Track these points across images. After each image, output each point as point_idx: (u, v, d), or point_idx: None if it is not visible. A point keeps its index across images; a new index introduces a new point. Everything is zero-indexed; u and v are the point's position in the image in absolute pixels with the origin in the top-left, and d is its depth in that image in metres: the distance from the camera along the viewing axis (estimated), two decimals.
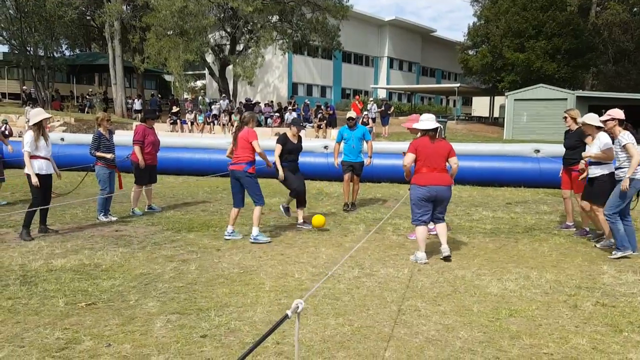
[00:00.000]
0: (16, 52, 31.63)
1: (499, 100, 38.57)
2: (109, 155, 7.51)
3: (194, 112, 25.37)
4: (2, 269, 5.20)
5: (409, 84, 45.36)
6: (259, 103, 27.98)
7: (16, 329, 3.74)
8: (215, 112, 25.59)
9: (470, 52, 35.46)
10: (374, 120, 22.71)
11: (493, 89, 33.80)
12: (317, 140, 19.04)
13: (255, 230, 6.47)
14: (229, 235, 6.59)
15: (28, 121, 10.36)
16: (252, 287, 4.74)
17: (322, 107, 24.71)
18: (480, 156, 11.99)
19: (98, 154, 7.49)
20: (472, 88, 37.13)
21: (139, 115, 28.28)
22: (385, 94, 41.93)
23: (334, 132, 22.76)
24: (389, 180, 12.01)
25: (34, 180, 6.39)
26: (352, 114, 8.95)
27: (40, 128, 6.56)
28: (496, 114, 39.76)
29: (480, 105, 50.52)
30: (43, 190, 6.56)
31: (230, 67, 29.10)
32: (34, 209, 6.44)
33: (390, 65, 45.77)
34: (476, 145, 13.36)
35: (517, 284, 4.84)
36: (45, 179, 6.57)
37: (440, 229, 5.67)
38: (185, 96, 31.03)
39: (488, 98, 40.08)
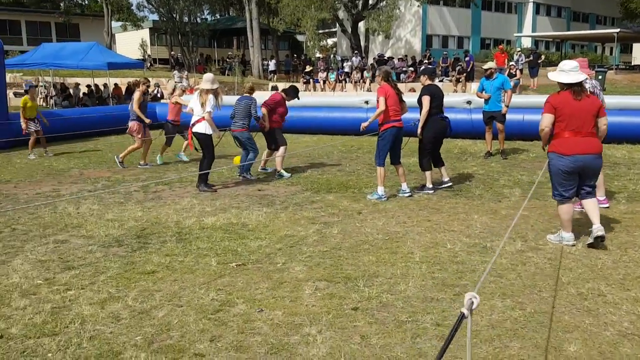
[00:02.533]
0: (164, 19, 34.23)
1: None
2: (267, 123, 7.85)
3: (326, 70, 25.35)
4: (160, 225, 5.49)
5: (558, 30, 40.42)
6: (393, 58, 27.04)
7: (174, 287, 3.83)
8: (347, 69, 25.30)
9: None
10: (521, 71, 20.62)
11: None
12: (457, 95, 17.80)
13: (404, 186, 6.59)
14: (385, 197, 6.42)
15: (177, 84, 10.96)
16: (400, 257, 4.39)
17: (461, 59, 23.06)
18: None
19: (262, 121, 7.79)
20: (634, 33, 31.87)
21: (274, 76, 29.07)
22: (530, 43, 38.00)
23: (474, 86, 21.19)
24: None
25: (219, 133, 7.21)
26: (489, 64, 9.20)
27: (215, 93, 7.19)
28: None
29: None
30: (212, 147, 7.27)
31: (362, 23, 28.36)
32: (208, 166, 7.10)
33: (537, 11, 41.20)
34: None
35: None
36: (207, 139, 7.16)
37: (590, 205, 4.54)
38: (318, 55, 31.11)
39: None
